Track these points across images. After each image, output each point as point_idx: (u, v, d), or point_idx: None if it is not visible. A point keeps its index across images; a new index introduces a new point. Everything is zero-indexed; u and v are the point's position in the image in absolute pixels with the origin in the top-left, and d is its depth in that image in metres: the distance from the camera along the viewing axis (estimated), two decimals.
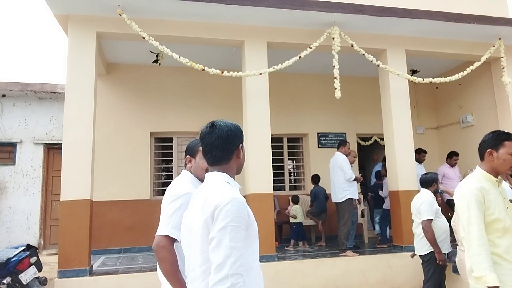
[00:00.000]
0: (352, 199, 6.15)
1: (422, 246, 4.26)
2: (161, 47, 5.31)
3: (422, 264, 4.37)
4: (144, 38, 5.27)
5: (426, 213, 4.14)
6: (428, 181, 4.37)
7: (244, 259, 1.48)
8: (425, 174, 4.60)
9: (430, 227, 4.12)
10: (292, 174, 8.73)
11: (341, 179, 6.15)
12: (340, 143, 6.51)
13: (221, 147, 1.67)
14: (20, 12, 23.38)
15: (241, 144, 1.74)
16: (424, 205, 4.17)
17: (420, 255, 4.34)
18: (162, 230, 1.91)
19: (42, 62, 22.02)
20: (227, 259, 1.42)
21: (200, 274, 1.53)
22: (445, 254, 4.20)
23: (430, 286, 4.23)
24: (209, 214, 1.51)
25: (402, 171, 6.17)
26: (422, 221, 4.16)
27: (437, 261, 4.12)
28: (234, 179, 1.71)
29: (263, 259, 5.37)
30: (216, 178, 1.66)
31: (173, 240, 1.89)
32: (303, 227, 7.11)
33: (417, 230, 4.32)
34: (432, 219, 4.14)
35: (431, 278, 4.21)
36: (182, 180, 2.14)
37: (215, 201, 1.52)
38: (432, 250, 4.15)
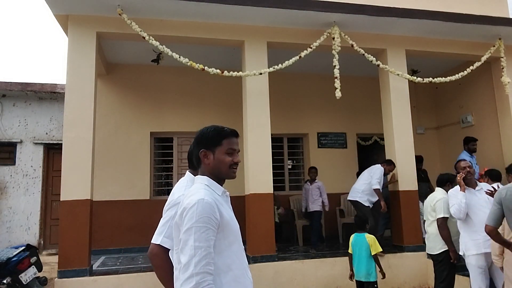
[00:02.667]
0: (359, 202, 6.21)
1: (436, 245, 4.17)
2: (161, 47, 5.31)
3: (435, 264, 4.24)
4: (144, 38, 5.27)
5: (442, 211, 4.08)
6: (443, 181, 4.35)
7: (214, 259, 1.53)
8: (441, 174, 4.58)
9: (446, 225, 4.06)
10: (292, 174, 8.73)
11: (364, 182, 6.28)
12: (387, 161, 6.30)
13: (190, 151, 1.81)
14: (20, 12, 23.39)
15: (203, 150, 1.73)
16: (439, 203, 4.11)
17: (432, 255, 4.23)
18: (156, 238, 1.95)
19: (42, 62, 22.04)
20: (192, 258, 1.48)
21: (178, 273, 1.60)
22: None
23: None
24: (179, 215, 1.60)
25: (402, 171, 6.17)
26: (437, 218, 4.08)
27: (451, 260, 4.05)
28: (217, 183, 1.74)
29: (263, 259, 5.37)
30: (198, 180, 1.74)
31: (166, 249, 1.92)
32: (279, 228, 6.97)
33: (430, 228, 4.24)
34: (447, 217, 4.07)
35: (446, 280, 4.10)
36: (181, 184, 2.15)
37: (184, 203, 1.60)
38: (445, 249, 4.08)
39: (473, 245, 3.83)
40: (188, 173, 2.24)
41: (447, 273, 4.10)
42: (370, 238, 4.33)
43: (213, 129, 1.77)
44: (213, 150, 1.73)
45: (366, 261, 4.24)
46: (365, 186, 6.22)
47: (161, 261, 1.90)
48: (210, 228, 1.53)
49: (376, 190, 6.14)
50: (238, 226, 1.72)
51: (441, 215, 4.08)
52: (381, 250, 4.32)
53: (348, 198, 6.49)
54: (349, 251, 4.44)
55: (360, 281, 4.29)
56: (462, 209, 3.83)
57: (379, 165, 6.32)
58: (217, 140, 1.73)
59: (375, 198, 6.21)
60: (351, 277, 4.37)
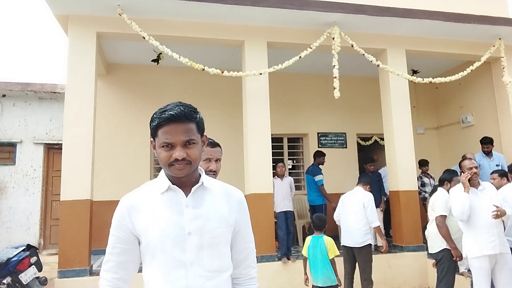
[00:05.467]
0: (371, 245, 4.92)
1: (435, 244, 4.17)
2: (161, 47, 5.31)
3: (435, 264, 4.29)
4: (144, 38, 5.27)
5: (440, 209, 4.09)
6: (441, 180, 4.43)
7: (138, 270, 1.48)
8: (443, 173, 4.60)
9: (444, 223, 4.06)
10: (292, 174, 8.72)
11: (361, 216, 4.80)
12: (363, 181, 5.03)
13: None
14: (20, 12, 23.39)
15: (151, 140, 1.38)
16: (438, 202, 4.15)
17: (432, 253, 4.25)
18: None
19: (42, 62, 22.02)
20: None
21: None
22: None
23: (443, 287, 4.09)
24: None
25: (402, 171, 6.17)
26: (436, 217, 4.09)
27: (453, 258, 4.04)
28: (166, 175, 1.41)
29: (263, 259, 5.37)
30: None
31: None
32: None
33: (430, 227, 4.26)
34: (445, 215, 4.08)
35: (445, 278, 4.09)
36: None
37: None
38: (445, 247, 4.07)
39: (476, 247, 3.77)
40: None
41: (445, 272, 4.09)
42: (328, 240, 4.11)
43: (154, 114, 1.36)
44: (155, 141, 1.36)
45: (327, 265, 4.04)
46: (364, 222, 4.70)
47: None
48: (114, 235, 1.41)
49: (376, 229, 4.76)
50: (174, 233, 1.35)
51: (439, 213, 4.09)
52: (338, 254, 4.10)
53: (352, 245, 4.70)
54: (304, 254, 4.20)
55: (318, 286, 4.07)
56: (465, 211, 3.72)
57: (366, 191, 4.86)
58: (154, 129, 1.34)
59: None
60: (306, 281, 4.20)
